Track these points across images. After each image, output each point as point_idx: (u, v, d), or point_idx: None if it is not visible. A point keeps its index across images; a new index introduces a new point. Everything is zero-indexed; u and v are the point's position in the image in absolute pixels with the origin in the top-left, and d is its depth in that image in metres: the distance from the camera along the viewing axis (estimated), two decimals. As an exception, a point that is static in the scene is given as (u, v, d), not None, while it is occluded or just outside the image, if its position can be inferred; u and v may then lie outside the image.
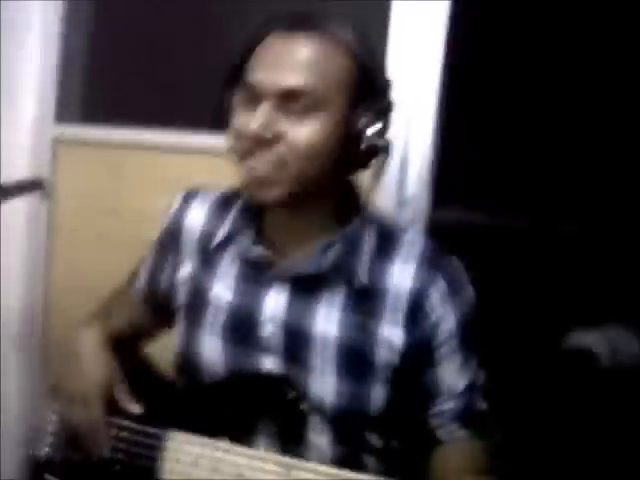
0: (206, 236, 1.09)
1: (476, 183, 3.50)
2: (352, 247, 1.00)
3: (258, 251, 1.03)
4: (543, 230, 3.48)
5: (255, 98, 0.93)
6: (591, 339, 3.50)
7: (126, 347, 1.15)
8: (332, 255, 0.99)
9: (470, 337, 1.01)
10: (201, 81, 1.60)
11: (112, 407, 1.04)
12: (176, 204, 1.14)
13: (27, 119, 1.81)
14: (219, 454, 0.93)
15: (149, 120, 1.72)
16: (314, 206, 1.00)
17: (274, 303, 1.02)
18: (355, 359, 0.99)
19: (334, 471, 0.89)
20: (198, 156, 1.66)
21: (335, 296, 1.00)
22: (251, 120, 0.92)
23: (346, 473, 0.89)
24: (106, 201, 1.79)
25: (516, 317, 3.24)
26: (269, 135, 0.91)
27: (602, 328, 3.50)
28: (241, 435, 0.98)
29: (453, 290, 1.00)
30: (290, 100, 0.91)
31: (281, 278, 1.02)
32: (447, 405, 1.01)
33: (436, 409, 1.01)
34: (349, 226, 1.01)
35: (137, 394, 1.06)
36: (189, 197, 1.14)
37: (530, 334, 3.19)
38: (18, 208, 1.77)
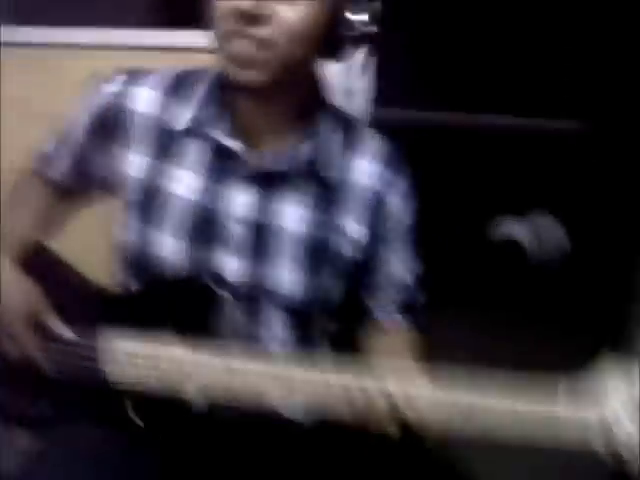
0: (163, 122, 1.03)
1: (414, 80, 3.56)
2: (320, 144, 1.01)
3: (231, 142, 0.99)
4: (476, 123, 3.57)
5: None
6: (517, 229, 3.66)
7: (37, 250, 1.12)
8: (302, 153, 1.00)
9: (414, 232, 1.09)
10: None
11: (44, 334, 1.02)
12: (115, 86, 1.06)
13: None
14: (155, 350, 0.95)
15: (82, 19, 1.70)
16: (287, 96, 0.99)
17: (241, 201, 1.01)
18: (321, 255, 1.02)
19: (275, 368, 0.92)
20: (144, 55, 1.64)
21: (302, 193, 1.01)
22: None
23: (280, 367, 0.91)
24: (46, 105, 1.76)
25: (446, 209, 3.36)
26: (259, 12, 0.88)
27: (527, 217, 3.66)
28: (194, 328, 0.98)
29: (410, 194, 1.07)
30: None
31: (250, 176, 1.01)
32: (394, 296, 1.09)
33: (383, 299, 1.09)
34: (318, 119, 1.02)
35: (63, 307, 1.04)
36: (134, 78, 1.06)
37: (458, 225, 3.33)
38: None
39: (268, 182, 1.01)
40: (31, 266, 1.07)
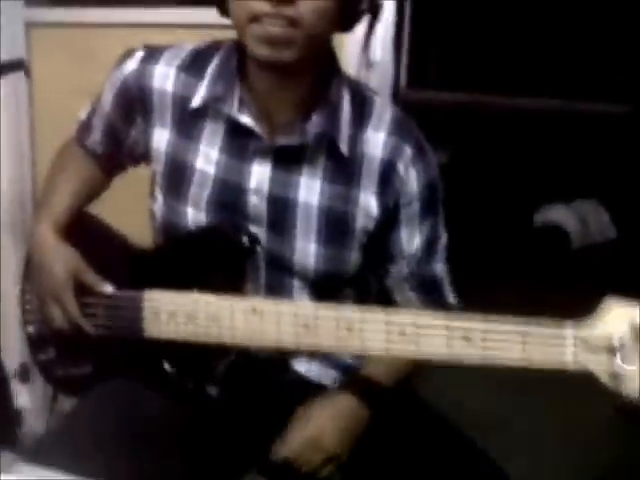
0: (180, 99, 1.05)
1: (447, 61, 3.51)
2: (333, 115, 1.01)
3: (245, 118, 1.01)
4: (520, 107, 3.51)
5: None
6: (561, 215, 3.60)
7: (80, 216, 1.16)
8: (315, 125, 1.00)
9: (432, 202, 1.07)
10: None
11: (85, 292, 1.06)
12: (134, 63, 1.08)
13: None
14: (193, 304, 0.98)
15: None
16: (308, 70, 0.99)
17: (258, 175, 1.03)
18: (335, 226, 1.04)
19: (295, 304, 0.96)
20: (176, 32, 1.66)
21: (316, 166, 1.03)
22: None
23: (303, 305, 0.96)
24: (82, 83, 1.80)
25: (487, 194, 3.32)
26: None
27: (572, 202, 3.60)
28: (223, 284, 1.02)
29: (418, 158, 1.05)
30: None
31: (265, 151, 1.02)
32: (401, 264, 1.08)
33: (392, 268, 1.09)
34: (329, 92, 1.02)
35: (104, 267, 1.08)
36: (151, 57, 1.08)
37: (501, 211, 3.28)
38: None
39: (283, 155, 1.02)
40: (71, 229, 1.12)
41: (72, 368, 1.12)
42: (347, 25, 1.00)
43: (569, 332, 0.84)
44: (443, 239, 1.11)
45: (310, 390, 1.09)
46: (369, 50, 1.37)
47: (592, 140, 3.34)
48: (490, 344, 0.85)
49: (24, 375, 1.73)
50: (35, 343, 1.16)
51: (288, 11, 0.89)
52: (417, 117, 1.09)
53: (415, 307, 1.09)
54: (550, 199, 3.58)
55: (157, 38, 1.71)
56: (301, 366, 1.13)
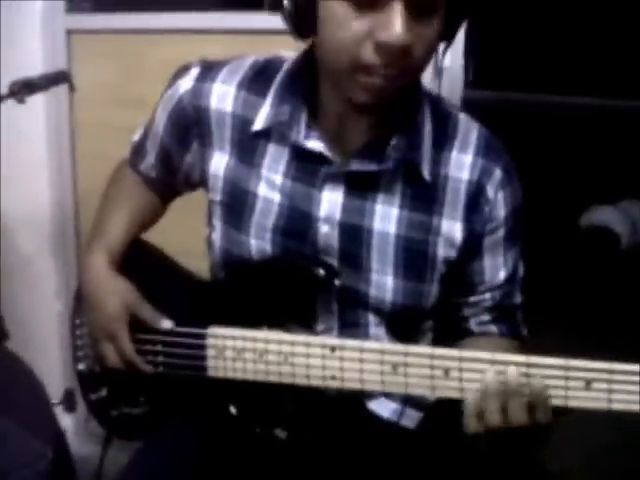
0: (241, 120, 0.97)
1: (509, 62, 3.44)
2: (414, 138, 0.93)
3: (314, 143, 0.93)
4: (565, 107, 3.42)
5: None
6: (609, 216, 3.49)
7: (136, 245, 1.09)
8: (396, 149, 0.92)
9: (516, 229, 1.00)
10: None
11: (142, 328, 0.99)
12: (189, 82, 0.99)
13: (37, 10, 1.73)
14: (262, 344, 0.91)
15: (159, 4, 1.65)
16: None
17: (329, 202, 0.95)
18: (414, 257, 0.96)
19: (378, 346, 0.88)
20: (220, 38, 1.60)
21: (394, 192, 0.95)
22: (389, 26, 0.77)
23: (389, 345, 0.88)
24: (126, 92, 1.74)
25: (532, 197, 3.23)
26: (410, 43, 0.78)
27: (620, 204, 3.49)
28: (294, 322, 0.96)
29: (507, 181, 0.97)
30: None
31: (336, 175, 0.94)
32: (485, 295, 1.01)
33: (474, 298, 1.01)
34: (411, 113, 0.93)
35: (162, 300, 1.01)
36: (207, 75, 0.99)
37: (548, 213, 3.20)
38: (38, 102, 1.72)
39: (357, 180, 0.94)
40: (126, 259, 1.06)
41: (127, 408, 1.05)
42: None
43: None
44: (522, 268, 1.03)
45: (387, 431, 1.02)
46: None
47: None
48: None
49: (69, 402, 1.67)
50: (86, 382, 1.10)
51: (404, 60, 0.80)
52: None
53: (494, 339, 1.02)
54: (597, 200, 3.49)
55: (204, 45, 1.67)
56: (377, 406, 1.04)
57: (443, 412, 1.04)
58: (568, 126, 3.30)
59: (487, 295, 1.00)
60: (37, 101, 1.67)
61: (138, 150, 1.12)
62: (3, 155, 1.79)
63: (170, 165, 1.07)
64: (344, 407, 1.02)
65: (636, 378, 0.78)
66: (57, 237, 1.88)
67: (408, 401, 1.04)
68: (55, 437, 1.19)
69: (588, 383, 0.79)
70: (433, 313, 1.02)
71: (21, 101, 1.38)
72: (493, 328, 1.02)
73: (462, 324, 1.03)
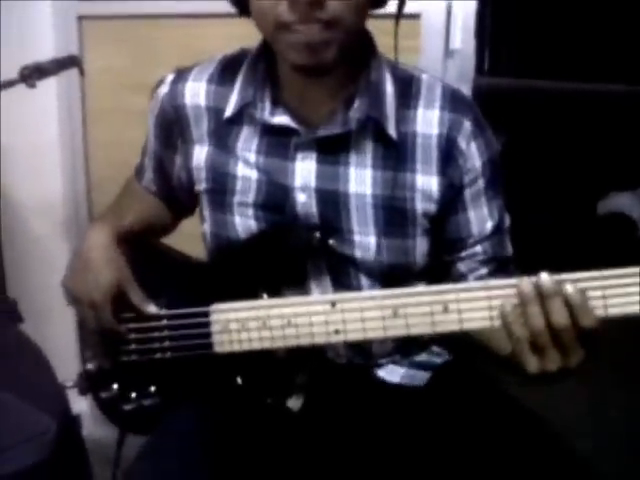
0: (214, 111, 1.03)
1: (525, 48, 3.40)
2: (375, 98, 0.96)
3: (280, 118, 0.98)
4: (584, 93, 3.38)
5: None
6: (626, 202, 3.46)
7: (141, 244, 1.10)
8: (358, 110, 0.95)
9: (495, 179, 1.01)
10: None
11: (125, 309, 1.00)
12: (165, 87, 1.06)
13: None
14: (265, 311, 0.92)
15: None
16: (343, 62, 0.93)
17: (303, 171, 0.99)
18: (393, 214, 0.98)
19: (376, 292, 0.89)
20: (232, 23, 1.59)
21: (365, 154, 0.98)
22: None
23: (387, 290, 0.87)
24: (137, 77, 1.74)
25: (550, 183, 3.20)
26: None
27: (637, 190, 3.46)
28: (290, 289, 0.98)
29: (478, 131, 0.99)
30: None
31: (306, 144, 0.98)
32: (476, 248, 1.01)
33: (465, 252, 1.02)
34: (369, 75, 0.97)
35: (159, 282, 1.02)
36: (180, 77, 1.06)
37: (564, 200, 3.17)
38: (50, 88, 1.73)
39: (327, 146, 0.98)
40: (129, 250, 1.05)
41: (138, 401, 1.05)
42: (374, 5, 0.93)
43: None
44: (508, 219, 1.05)
45: (397, 394, 1.05)
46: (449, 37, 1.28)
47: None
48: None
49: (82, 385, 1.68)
50: (96, 380, 1.09)
51: (319, 14, 0.85)
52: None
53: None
54: (614, 186, 3.46)
55: (215, 29, 1.67)
56: (386, 373, 1.08)
57: (452, 372, 1.09)
58: (587, 113, 3.27)
59: (478, 248, 1.01)
60: (49, 87, 1.69)
61: (139, 169, 1.17)
62: (15, 140, 1.80)
63: (165, 173, 1.12)
64: (354, 376, 1.04)
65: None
66: (69, 222, 1.89)
67: (415, 364, 1.07)
68: (61, 413, 1.19)
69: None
70: (426, 273, 1.04)
71: (32, 86, 1.39)
72: (483, 272, 1.02)
73: (450, 271, 1.04)
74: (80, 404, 1.73)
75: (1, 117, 1.68)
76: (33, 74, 1.37)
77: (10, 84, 1.41)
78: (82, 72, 1.42)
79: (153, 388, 1.04)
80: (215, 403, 1.01)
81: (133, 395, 1.05)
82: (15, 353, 1.30)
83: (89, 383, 1.09)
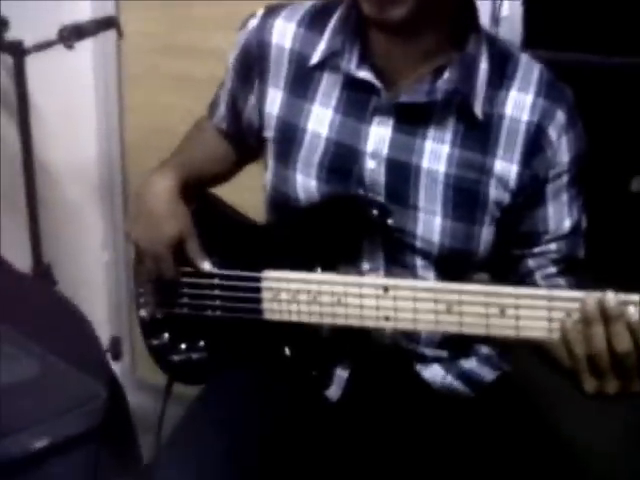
0: (297, 56, 0.98)
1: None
2: (467, 73, 0.91)
3: (365, 73, 0.93)
4: (614, 68, 3.30)
5: None
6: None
7: (203, 191, 1.09)
8: (446, 82, 0.90)
9: (578, 178, 0.96)
10: None
11: (182, 260, 0.99)
12: (255, 20, 1.02)
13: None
14: (316, 286, 0.90)
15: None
16: (429, 25, 0.89)
17: (377, 136, 0.94)
18: (464, 197, 0.93)
19: (432, 284, 0.87)
20: None
21: (444, 129, 0.93)
22: None
23: (444, 284, 0.85)
24: (174, 40, 1.72)
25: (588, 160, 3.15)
26: None
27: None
28: (343, 263, 0.96)
29: (571, 124, 0.93)
30: None
31: (386, 108, 0.93)
32: (551, 245, 0.97)
33: (538, 249, 0.97)
34: (465, 47, 0.91)
35: (216, 240, 1.01)
36: (272, 13, 1.01)
37: (600, 176, 3.11)
38: (86, 51, 1.71)
39: (407, 115, 0.93)
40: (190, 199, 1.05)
41: (187, 354, 1.06)
42: None
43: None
44: (585, 220, 1.00)
45: (436, 402, 1.01)
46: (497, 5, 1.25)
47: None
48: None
49: (115, 350, 1.69)
50: (148, 328, 1.09)
51: None
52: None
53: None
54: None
55: None
56: (429, 374, 1.03)
57: (497, 393, 1.04)
58: (625, 89, 3.19)
59: (552, 246, 0.97)
60: (85, 50, 1.68)
61: (213, 102, 1.13)
62: (51, 104, 1.80)
63: (237, 112, 1.07)
64: (396, 372, 1.02)
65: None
66: (104, 188, 1.89)
67: (461, 374, 1.04)
68: (108, 379, 1.19)
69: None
70: (488, 264, 0.99)
71: (70, 47, 1.37)
72: (561, 281, 0.98)
73: (526, 279, 0.99)
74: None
75: (36, 79, 1.67)
76: (71, 35, 1.36)
77: (48, 45, 1.40)
78: (120, 33, 1.41)
79: (202, 343, 1.04)
80: (262, 369, 1.00)
81: (183, 346, 1.06)
82: (58, 317, 1.30)
83: (142, 329, 1.10)
